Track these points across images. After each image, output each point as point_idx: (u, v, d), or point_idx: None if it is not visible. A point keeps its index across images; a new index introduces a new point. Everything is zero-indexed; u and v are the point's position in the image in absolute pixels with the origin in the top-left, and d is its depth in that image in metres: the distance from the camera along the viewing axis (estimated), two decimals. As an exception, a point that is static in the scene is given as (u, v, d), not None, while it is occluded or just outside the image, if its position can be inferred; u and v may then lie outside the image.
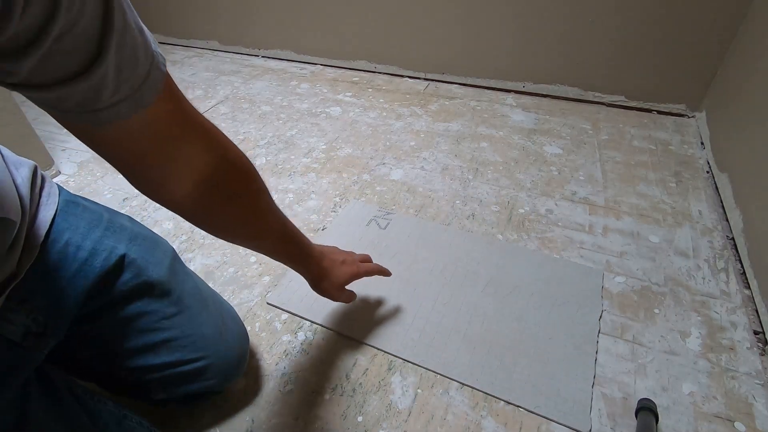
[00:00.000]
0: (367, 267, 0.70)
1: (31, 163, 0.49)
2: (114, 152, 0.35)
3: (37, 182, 0.48)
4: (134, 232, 0.55)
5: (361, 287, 0.82)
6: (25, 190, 0.46)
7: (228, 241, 0.51)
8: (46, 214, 0.48)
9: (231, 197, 0.44)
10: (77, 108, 0.30)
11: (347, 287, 0.68)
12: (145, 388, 0.57)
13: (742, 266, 0.85)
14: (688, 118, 1.35)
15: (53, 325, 0.47)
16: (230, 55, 1.91)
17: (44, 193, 0.49)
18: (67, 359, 0.54)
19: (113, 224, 0.54)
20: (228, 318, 0.64)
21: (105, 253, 0.51)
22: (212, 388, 0.60)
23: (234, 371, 0.63)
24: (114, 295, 0.52)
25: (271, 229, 0.53)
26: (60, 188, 0.52)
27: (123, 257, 0.52)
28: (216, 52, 1.93)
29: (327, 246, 0.68)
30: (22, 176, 0.46)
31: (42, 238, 0.46)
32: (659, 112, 1.38)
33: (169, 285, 0.56)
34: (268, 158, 1.22)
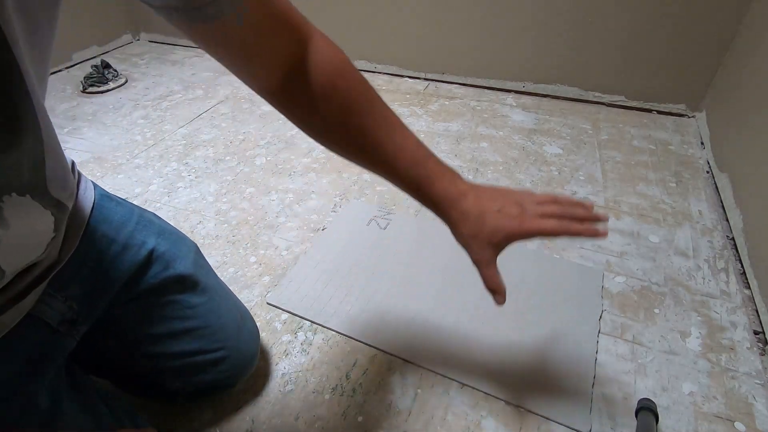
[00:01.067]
0: (541, 225, 0.45)
1: (69, 158, 0.51)
2: (216, 46, 0.39)
3: (75, 175, 0.50)
4: (161, 227, 0.58)
5: (361, 286, 0.83)
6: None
7: (336, 150, 0.46)
8: (85, 206, 0.50)
9: (323, 91, 0.42)
10: (184, 6, 0.33)
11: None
12: (161, 378, 0.58)
13: (742, 266, 0.85)
14: (688, 118, 1.35)
15: (85, 314, 0.49)
16: (230, 55, 1.91)
17: (81, 187, 0.51)
18: (87, 350, 0.55)
19: (143, 219, 0.56)
20: (245, 315, 0.65)
21: (136, 248, 0.53)
22: (225, 381, 0.61)
23: (247, 367, 0.64)
24: (144, 287, 0.54)
25: (377, 135, 0.44)
26: (94, 184, 0.55)
27: (152, 251, 0.54)
28: (216, 52, 1.93)
29: (490, 187, 0.49)
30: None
31: (82, 229, 0.49)
32: (659, 112, 1.38)
33: (195, 277, 0.57)
34: (269, 158, 1.22)
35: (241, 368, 0.62)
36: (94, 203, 0.52)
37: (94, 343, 0.55)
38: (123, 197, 1.13)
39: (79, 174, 0.52)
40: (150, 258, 0.54)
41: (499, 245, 0.46)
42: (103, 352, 0.57)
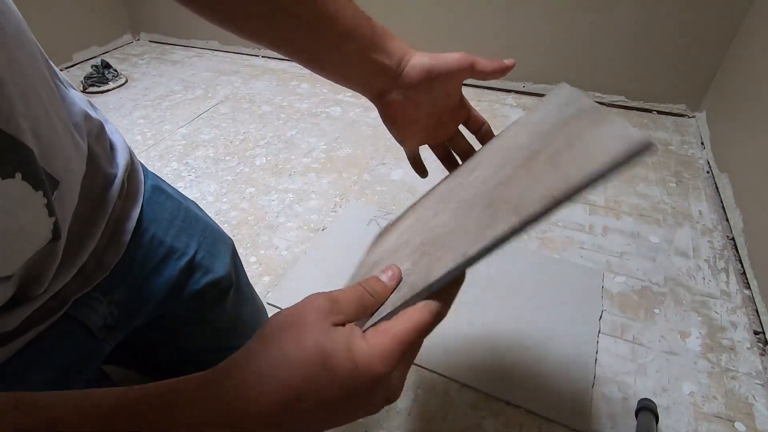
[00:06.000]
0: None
1: (126, 155, 0.46)
2: None
3: (112, 153, 0.44)
4: (205, 224, 0.55)
5: (361, 287, 0.83)
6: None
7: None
8: (134, 208, 0.46)
9: None
10: None
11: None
12: (183, 369, 0.58)
13: (742, 266, 0.85)
14: (688, 118, 1.35)
15: (124, 321, 0.46)
16: (230, 55, 1.91)
17: (131, 175, 0.46)
18: (140, 352, 0.55)
19: (189, 215, 0.53)
20: (261, 309, 0.66)
21: (179, 253, 0.50)
22: None
23: None
24: (185, 294, 0.51)
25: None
26: (146, 170, 0.50)
27: (193, 258, 0.51)
28: (216, 52, 1.93)
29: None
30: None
31: (129, 233, 0.44)
32: (659, 112, 1.38)
33: (231, 279, 0.56)
34: (268, 158, 1.22)
35: None
36: (145, 197, 0.47)
37: (152, 347, 0.55)
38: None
39: (133, 160, 0.46)
40: (192, 264, 0.51)
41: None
42: (156, 353, 0.56)
